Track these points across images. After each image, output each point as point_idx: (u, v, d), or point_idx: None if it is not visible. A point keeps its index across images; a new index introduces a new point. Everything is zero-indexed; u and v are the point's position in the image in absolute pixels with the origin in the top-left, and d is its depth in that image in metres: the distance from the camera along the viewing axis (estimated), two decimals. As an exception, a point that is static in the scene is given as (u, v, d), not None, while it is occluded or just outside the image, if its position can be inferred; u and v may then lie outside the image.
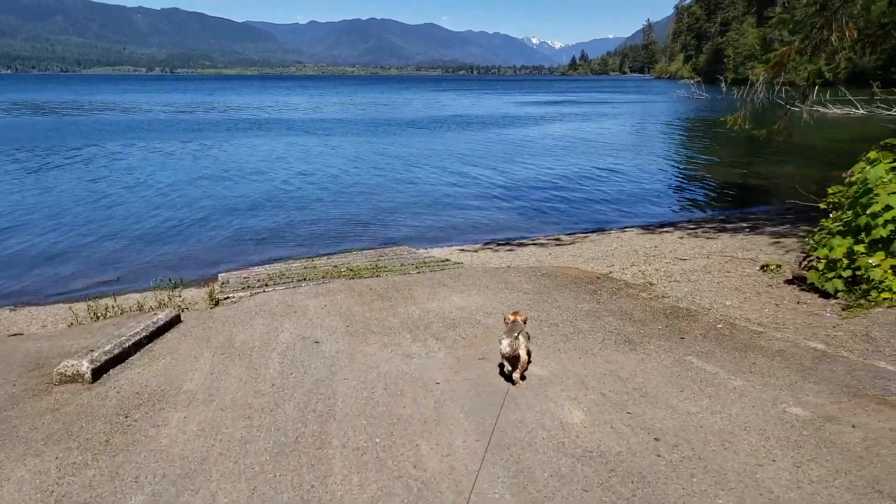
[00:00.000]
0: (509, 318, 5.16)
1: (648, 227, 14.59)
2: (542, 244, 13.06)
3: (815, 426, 3.98)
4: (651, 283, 8.05)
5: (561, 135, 38.97)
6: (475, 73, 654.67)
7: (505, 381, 4.92)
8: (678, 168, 25.72)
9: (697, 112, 62.99)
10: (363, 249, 13.37)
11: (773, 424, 4.03)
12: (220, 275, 11.06)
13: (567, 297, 7.40)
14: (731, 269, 8.50)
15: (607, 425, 4.13)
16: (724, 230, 13.00)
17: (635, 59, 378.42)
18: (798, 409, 4.23)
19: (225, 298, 8.70)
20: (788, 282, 7.55)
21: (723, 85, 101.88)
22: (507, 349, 4.80)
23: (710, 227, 13.61)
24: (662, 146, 34.81)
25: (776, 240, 11.04)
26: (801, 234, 11.57)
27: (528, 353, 4.99)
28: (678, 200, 19.04)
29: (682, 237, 12.43)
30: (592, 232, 14.57)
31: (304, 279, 9.74)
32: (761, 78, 12.83)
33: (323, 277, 9.76)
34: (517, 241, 13.69)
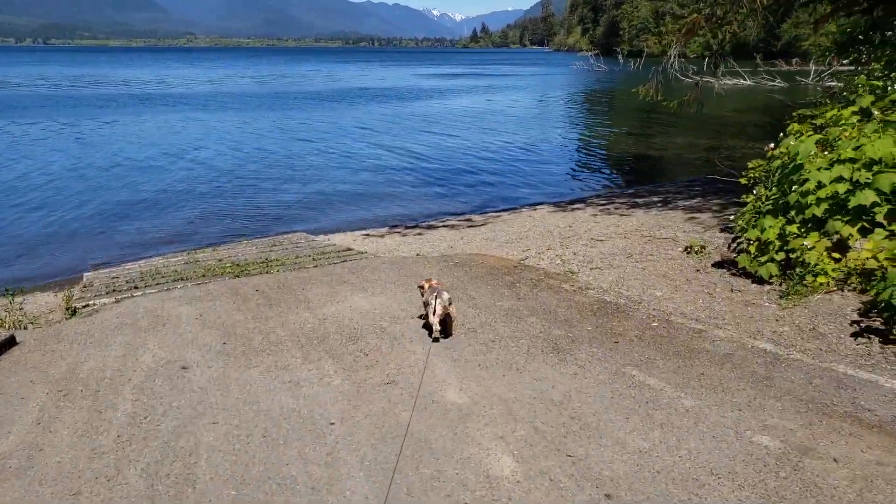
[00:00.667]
0: (426, 285, 5.46)
1: (559, 205, 14.02)
2: (453, 226, 12.20)
3: (791, 463, 3.30)
4: (572, 272, 7.34)
5: (466, 108, 38.21)
6: (376, 45, 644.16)
7: (407, 415, 4.01)
8: (584, 141, 25.51)
9: (598, 84, 63.97)
10: (255, 238, 12.11)
11: (743, 463, 3.32)
12: (85, 275, 9.55)
13: (484, 292, 6.56)
14: (653, 252, 7.94)
15: (545, 477, 3.30)
16: (636, 206, 12.59)
17: (535, 32, 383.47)
18: (766, 439, 3.54)
19: (84, 307, 7.34)
20: (717, 265, 7.02)
21: (620, 57, 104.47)
22: (441, 310, 5.14)
23: (621, 203, 13.18)
24: (567, 119, 34.76)
25: (691, 215, 10.66)
26: (715, 208, 11.28)
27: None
28: (587, 175, 18.67)
29: (595, 215, 11.90)
30: (504, 211, 13.85)
31: (182, 278, 8.46)
32: (674, 47, 12.39)
33: (204, 276, 8.51)
34: (426, 224, 12.78)
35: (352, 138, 25.31)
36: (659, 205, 12.40)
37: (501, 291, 6.55)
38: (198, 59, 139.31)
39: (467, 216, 13.40)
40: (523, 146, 23.56)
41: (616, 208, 12.46)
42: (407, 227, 12.47)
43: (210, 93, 49.18)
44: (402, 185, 16.95)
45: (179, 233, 12.88)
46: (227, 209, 14.49)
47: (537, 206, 14.04)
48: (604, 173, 18.87)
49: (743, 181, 7.71)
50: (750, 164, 7.72)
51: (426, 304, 5.30)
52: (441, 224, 12.63)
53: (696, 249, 7.52)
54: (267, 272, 8.40)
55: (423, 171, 18.71)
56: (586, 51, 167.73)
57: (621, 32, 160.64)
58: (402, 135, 26.37)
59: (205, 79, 68.54)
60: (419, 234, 11.61)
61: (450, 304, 5.22)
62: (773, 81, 56.63)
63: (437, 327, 5.15)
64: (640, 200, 13.28)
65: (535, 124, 31.12)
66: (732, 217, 7.67)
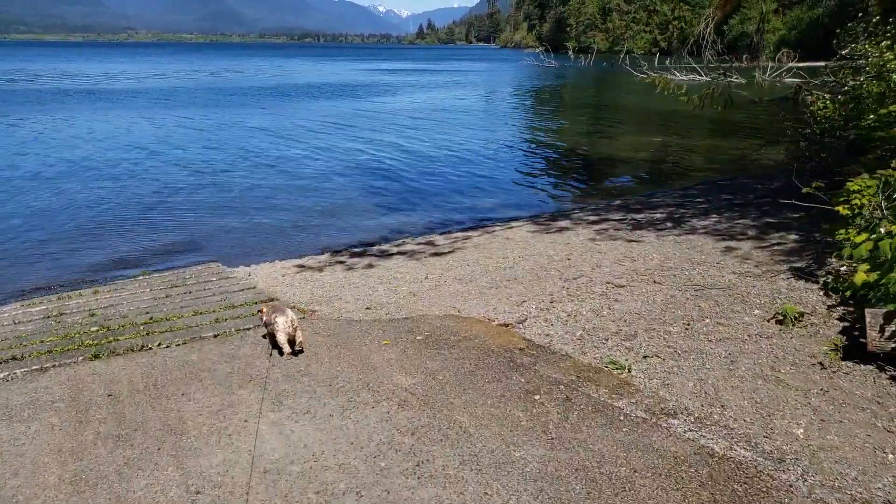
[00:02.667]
0: (265, 308, 5.28)
1: (539, 221, 11.51)
2: (412, 252, 9.55)
3: None
4: (617, 366, 4.73)
5: (417, 106, 35.46)
6: (321, 40, 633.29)
7: None
8: (548, 141, 23.09)
9: (551, 80, 61.99)
10: (157, 271, 9.29)
11: None
12: None
13: (482, 416, 3.96)
14: (721, 319, 5.43)
15: None
16: (639, 225, 10.16)
17: (481, 29, 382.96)
18: None
19: None
20: (850, 352, 4.54)
21: (570, 53, 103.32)
22: (290, 328, 5.01)
23: (617, 220, 10.76)
24: (525, 117, 32.37)
25: (725, 244, 8.25)
26: (751, 232, 8.90)
27: None
28: (559, 180, 16.24)
29: (593, 239, 9.41)
30: (472, 229, 11.26)
31: (14, 357, 5.61)
32: (711, 23, 10.18)
33: (50, 352, 5.70)
34: (378, 249, 10.08)
35: (292, 140, 22.32)
36: (669, 225, 9.98)
37: (513, 416, 3.95)
38: (141, 55, 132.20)
39: (428, 237, 10.77)
40: (483, 147, 21.02)
41: (616, 229, 9.99)
42: (353, 254, 9.76)
43: (153, 88, 45.15)
44: (349, 195, 14.20)
45: (61, 261, 9.92)
46: (134, 226, 11.57)
47: (513, 223, 11.50)
48: (579, 179, 16.48)
49: (843, 210, 5.28)
50: (852, 185, 5.31)
51: (268, 325, 5.19)
52: (396, 249, 9.96)
53: (791, 319, 5.03)
54: (142, 348, 5.61)
55: (374, 178, 15.98)
56: (533, 47, 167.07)
57: (568, 29, 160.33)
58: (347, 136, 23.50)
59: (148, 74, 63.88)
60: (369, 265, 8.91)
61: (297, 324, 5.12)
62: (733, 77, 55.82)
63: (286, 349, 5.06)
64: (640, 217, 10.85)
65: (491, 123, 28.63)
66: (835, 255, 5.23)
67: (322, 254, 10.13)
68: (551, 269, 7.65)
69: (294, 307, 6.36)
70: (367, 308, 6.63)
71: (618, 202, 13.21)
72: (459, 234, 10.81)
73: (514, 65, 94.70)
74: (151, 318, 6.55)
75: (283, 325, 4.97)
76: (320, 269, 8.90)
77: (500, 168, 17.63)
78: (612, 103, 38.05)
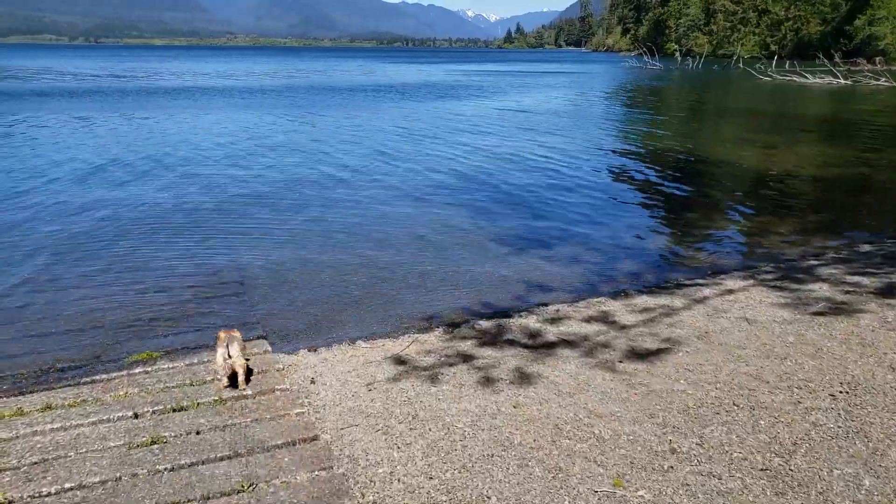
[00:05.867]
0: (223, 335, 4.82)
1: (766, 280, 7.31)
2: (586, 342, 5.59)
3: None
4: None
5: (526, 108, 31.39)
6: (410, 45, 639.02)
7: None
8: (699, 154, 18.43)
9: (662, 83, 56.42)
10: (170, 353, 5.80)
11: None
12: None
13: None
14: None
15: None
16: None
17: (571, 33, 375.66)
18: None
19: None
20: None
21: (677, 55, 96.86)
22: (221, 360, 4.64)
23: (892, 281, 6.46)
24: (655, 122, 27.61)
25: None
26: None
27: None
28: (738, 210, 11.82)
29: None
30: (661, 290, 7.15)
31: None
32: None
33: None
34: (520, 326, 6.15)
35: (383, 143, 18.76)
36: None
37: None
38: (247, 57, 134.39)
39: (596, 303, 6.75)
40: (620, 160, 16.79)
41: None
42: (484, 336, 5.87)
43: (240, 87, 43.24)
44: (456, 223, 10.34)
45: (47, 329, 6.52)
46: (147, 262, 8.08)
47: (723, 281, 7.32)
48: (761, 204, 12.01)
49: None
50: None
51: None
52: (554, 330, 6.00)
53: None
54: None
55: (488, 198, 12.09)
56: (627, 51, 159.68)
57: (667, 31, 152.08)
58: (446, 142, 19.74)
59: (254, 73, 62.84)
60: (519, 373, 5.00)
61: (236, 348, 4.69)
62: (879, 80, 48.99)
63: (224, 382, 4.69)
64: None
65: (618, 129, 24.20)
66: None
67: (430, 327, 6.29)
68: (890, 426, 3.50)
69: None
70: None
71: (867, 248, 8.77)
72: (648, 302, 6.71)
73: (614, 67, 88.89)
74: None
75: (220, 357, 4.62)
76: (433, 372, 5.05)
77: (651, 187, 13.39)
78: (746, 108, 32.77)
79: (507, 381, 4.80)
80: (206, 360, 5.45)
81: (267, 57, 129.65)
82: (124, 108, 27.44)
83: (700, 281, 7.44)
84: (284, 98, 34.53)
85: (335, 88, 42.63)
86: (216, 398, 4.60)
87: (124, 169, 14.18)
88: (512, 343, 5.64)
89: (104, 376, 5.21)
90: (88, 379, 5.17)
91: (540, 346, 5.55)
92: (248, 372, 4.80)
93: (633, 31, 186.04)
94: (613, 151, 17.78)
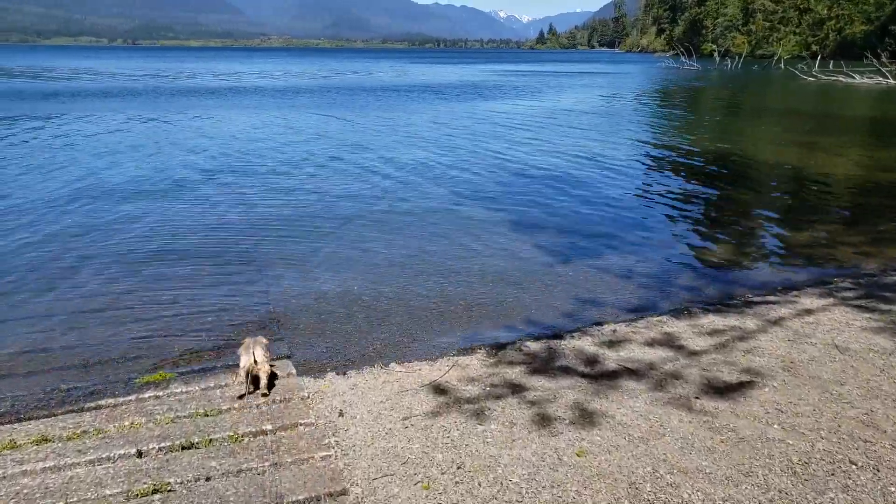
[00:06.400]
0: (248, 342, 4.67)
1: (849, 299, 6.52)
2: (652, 371, 4.90)
3: None
4: None
5: (565, 108, 30.59)
6: (442, 46, 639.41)
7: None
8: (755, 158, 17.53)
9: (703, 83, 54.93)
10: (185, 375, 5.27)
11: None
12: None
13: None
14: None
15: None
16: None
17: (603, 34, 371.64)
18: None
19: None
20: None
21: (715, 55, 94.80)
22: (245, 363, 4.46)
23: None
24: (702, 123, 26.56)
25: None
26: None
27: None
28: (803, 217, 10.98)
29: None
30: (728, 309, 6.39)
31: None
32: None
33: None
34: (574, 349, 5.48)
35: (423, 141, 18.18)
36: None
37: None
38: (277, 57, 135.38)
39: (656, 323, 6.05)
40: (663, 165, 15.96)
41: None
42: (532, 361, 5.21)
43: (282, 88, 43.15)
44: (494, 228, 9.68)
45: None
46: (163, 273, 7.56)
47: (797, 298, 6.56)
48: (828, 212, 11.14)
49: None
50: None
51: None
52: (614, 355, 5.35)
53: None
54: None
55: (526, 201, 11.41)
56: (662, 52, 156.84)
57: (704, 31, 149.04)
58: (477, 145, 19.09)
59: (292, 73, 63.00)
60: (579, 409, 4.32)
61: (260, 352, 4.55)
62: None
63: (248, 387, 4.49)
64: None
65: (665, 130, 23.30)
66: None
67: (472, 348, 5.65)
68: None
69: None
70: None
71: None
72: (716, 322, 5.97)
73: (651, 68, 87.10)
74: None
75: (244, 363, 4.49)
76: (478, 407, 4.41)
77: (703, 192, 12.58)
78: (793, 109, 31.48)
79: (567, 421, 4.12)
80: (223, 383, 4.89)
81: (301, 58, 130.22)
82: (172, 108, 27.30)
83: (771, 298, 6.66)
84: (324, 97, 34.23)
85: (373, 88, 42.25)
86: (231, 433, 4.02)
87: (162, 175, 13.82)
88: (567, 371, 4.95)
89: (111, 401, 4.69)
90: (93, 404, 4.65)
91: (599, 375, 4.86)
92: (272, 377, 4.64)
93: (668, 32, 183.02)
94: (661, 155, 16.94)
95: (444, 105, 30.84)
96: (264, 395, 4.48)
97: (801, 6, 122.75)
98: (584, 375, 4.87)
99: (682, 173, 14.39)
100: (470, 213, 10.45)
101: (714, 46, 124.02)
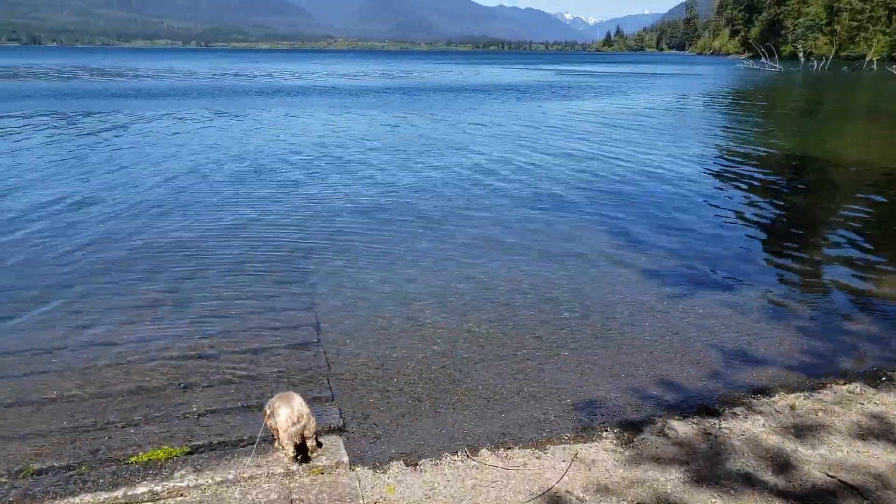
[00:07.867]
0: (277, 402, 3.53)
1: None
2: (847, 483, 3.27)
3: None
4: None
5: (653, 109, 28.43)
6: (506, 48, 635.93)
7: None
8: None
9: (795, 87, 51.38)
10: (200, 452, 3.77)
11: None
12: None
13: None
14: None
15: None
16: None
17: (673, 35, 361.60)
18: None
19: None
20: None
21: (800, 57, 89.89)
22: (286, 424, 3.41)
23: None
24: (819, 130, 24.05)
25: None
26: None
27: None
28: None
29: None
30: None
31: None
32: None
33: None
34: (701, 440, 3.86)
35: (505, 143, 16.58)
36: None
37: None
38: (346, 59, 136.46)
39: (806, 396, 4.33)
40: (793, 181, 13.91)
41: None
42: (628, 447, 3.63)
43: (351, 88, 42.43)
44: (584, 271, 7.98)
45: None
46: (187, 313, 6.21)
47: None
48: None
49: None
50: None
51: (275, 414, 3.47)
52: (755, 463, 3.66)
53: None
54: None
55: (621, 225, 9.65)
56: (736, 54, 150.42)
57: (783, 32, 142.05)
58: (565, 152, 17.34)
59: (369, 73, 62.66)
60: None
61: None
62: None
63: (290, 452, 3.48)
64: None
65: (778, 138, 20.99)
66: None
67: (593, 428, 4.10)
68: None
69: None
70: None
71: None
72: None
73: (728, 70, 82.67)
74: None
75: (285, 420, 3.41)
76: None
77: (853, 215, 10.56)
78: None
79: None
80: (246, 475, 3.44)
81: (370, 60, 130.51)
82: (260, 106, 26.61)
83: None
84: (408, 97, 33.12)
85: (446, 88, 40.92)
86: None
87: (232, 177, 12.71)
88: (749, 483, 3.29)
89: (89, 499, 3.28)
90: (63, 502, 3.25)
91: (804, 495, 3.16)
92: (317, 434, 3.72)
93: (742, 33, 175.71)
94: (803, 166, 14.80)
95: (535, 104, 29.13)
96: (315, 458, 3.54)
97: (891, 5, 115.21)
98: (779, 494, 3.19)
99: (832, 188, 12.34)
100: (567, 237, 8.74)
101: (797, 47, 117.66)
